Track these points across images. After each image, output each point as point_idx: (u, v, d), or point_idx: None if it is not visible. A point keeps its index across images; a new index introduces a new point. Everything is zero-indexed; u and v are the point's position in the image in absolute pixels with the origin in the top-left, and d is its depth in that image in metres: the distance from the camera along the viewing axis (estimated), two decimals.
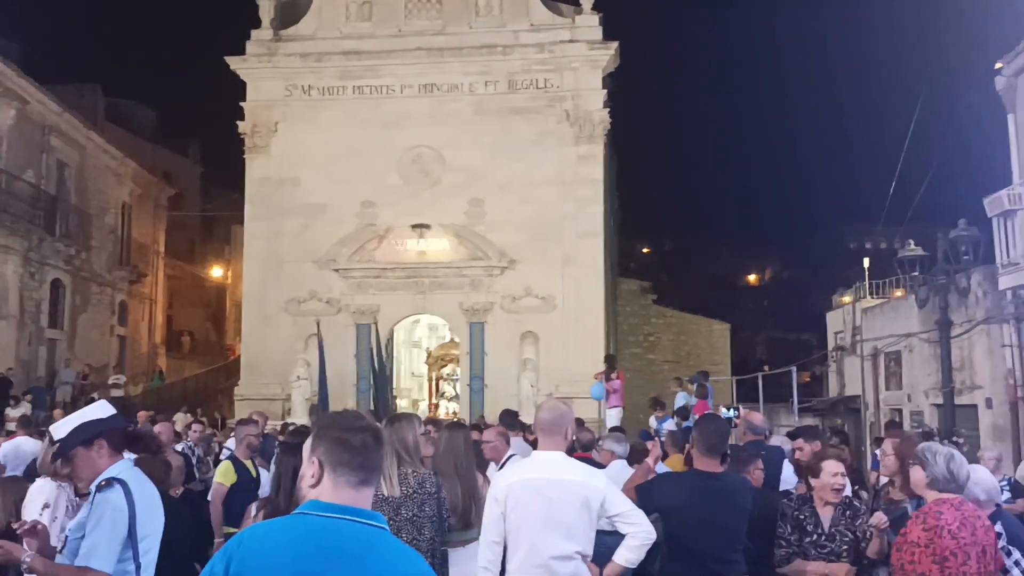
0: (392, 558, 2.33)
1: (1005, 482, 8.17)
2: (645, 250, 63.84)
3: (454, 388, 25.33)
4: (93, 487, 3.55)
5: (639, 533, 4.22)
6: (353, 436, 2.42)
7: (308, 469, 2.43)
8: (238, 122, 23.66)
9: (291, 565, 2.24)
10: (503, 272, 22.45)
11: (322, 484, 2.39)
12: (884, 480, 6.23)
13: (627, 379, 19.91)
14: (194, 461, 10.42)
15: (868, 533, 4.78)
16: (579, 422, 11.16)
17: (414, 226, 22.37)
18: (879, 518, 4.68)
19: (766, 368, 27.68)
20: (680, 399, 16.08)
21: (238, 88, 23.84)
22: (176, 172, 37.08)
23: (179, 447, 10.20)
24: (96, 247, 26.83)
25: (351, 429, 2.44)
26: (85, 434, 3.66)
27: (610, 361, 18.34)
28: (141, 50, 76.74)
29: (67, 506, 4.79)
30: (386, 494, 4.63)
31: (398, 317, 23.31)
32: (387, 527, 2.42)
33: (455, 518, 4.98)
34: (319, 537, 2.29)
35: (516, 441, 8.04)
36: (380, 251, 22.80)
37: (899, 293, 24.19)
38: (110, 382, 23.15)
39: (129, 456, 3.91)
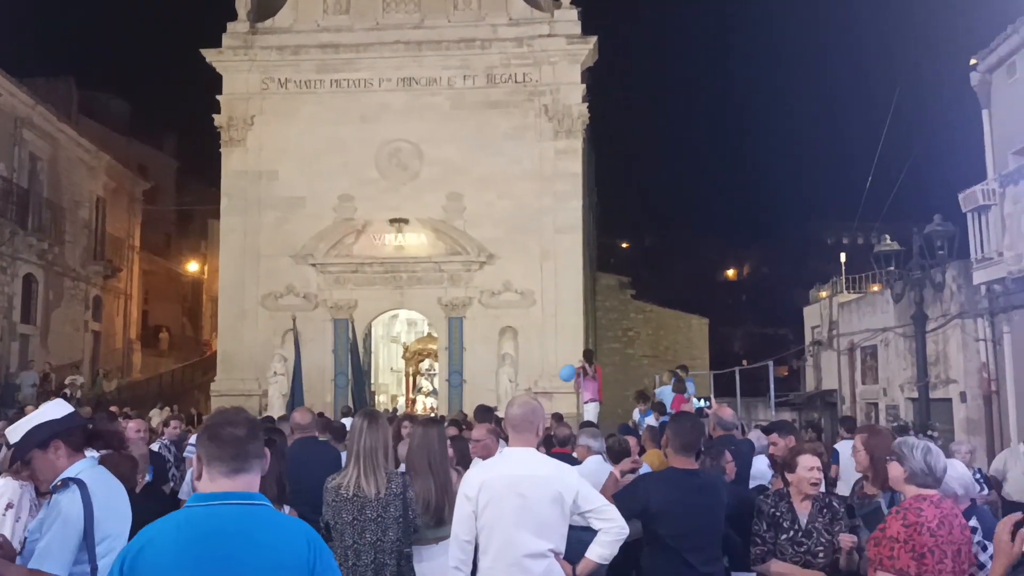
0: (274, 528, 2.53)
1: (979, 475, 8.23)
2: (624, 245, 63.88)
3: (432, 383, 25.25)
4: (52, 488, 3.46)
5: (612, 528, 4.18)
6: (223, 430, 2.61)
7: (195, 466, 2.65)
8: (214, 115, 23.41)
9: (174, 553, 2.43)
10: (482, 267, 22.38)
11: (202, 478, 2.59)
12: (856, 475, 6.23)
13: (606, 374, 19.95)
14: (171, 459, 10.23)
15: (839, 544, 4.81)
16: (558, 417, 11.14)
17: (392, 220, 22.25)
18: (846, 539, 4.72)
19: (744, 362, 27.82)
20: (665, 394, 16.08)
21: (214, 81, 23.58)
22: (151, 165, 36.61)
23: (155, 446, 10.03)
24: (70, 241, 26.46)
25: (222, 424, 2.63)
26: (40, 436, 3.57)
27: (588, 356, 18.32)
28: (116, 42, 75.81)
29: (31, 505, 4.67)
30: (351, 494, 4.56)
31: (376, 312, 23.20)
32: (268, 504, 2.61)
33: (428, 515, 4.88)
34: (198, 523, 2.49)
35: None
36: (358, 246, 22.66)
37: (875, 288, 24.34)
38: (66, 382, 22.56)
39: (92, 454, 3.81)
